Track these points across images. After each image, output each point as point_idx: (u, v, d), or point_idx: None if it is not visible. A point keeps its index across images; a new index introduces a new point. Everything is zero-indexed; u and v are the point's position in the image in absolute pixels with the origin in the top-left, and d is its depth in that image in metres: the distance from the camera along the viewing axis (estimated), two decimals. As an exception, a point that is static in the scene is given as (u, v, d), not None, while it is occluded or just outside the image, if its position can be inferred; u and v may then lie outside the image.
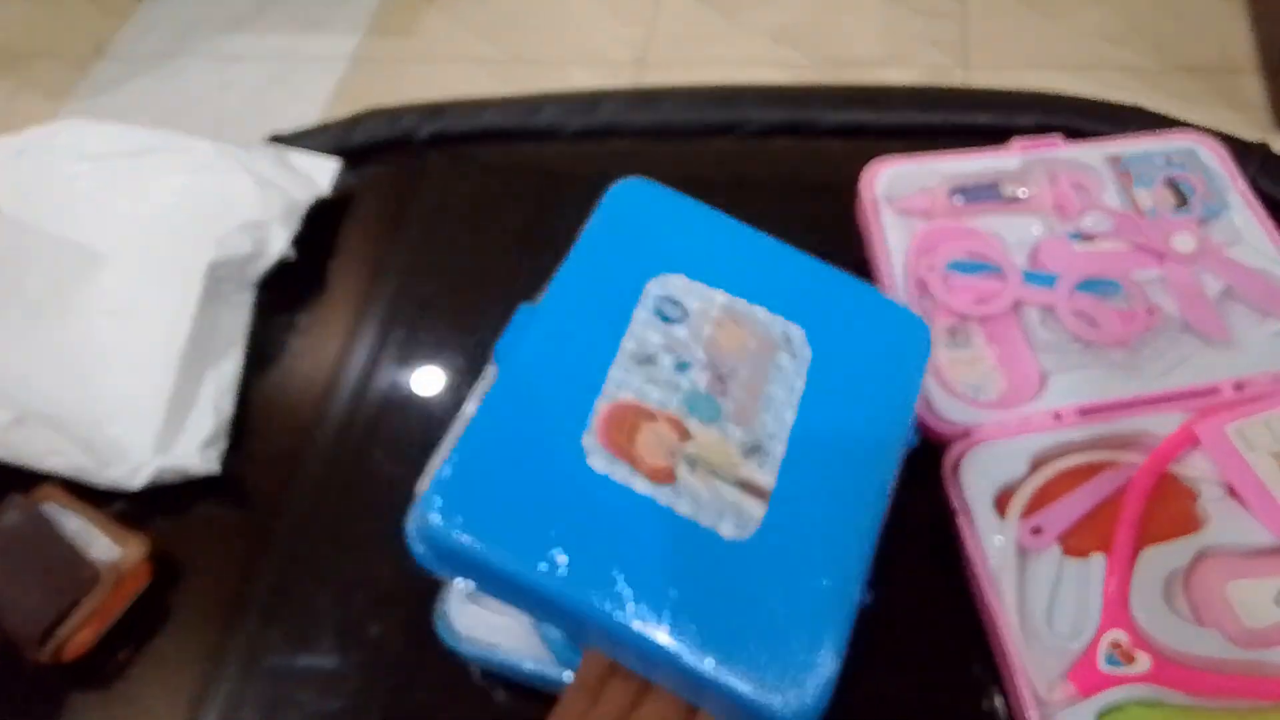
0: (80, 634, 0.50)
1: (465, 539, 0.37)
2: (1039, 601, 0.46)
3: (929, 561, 0.50)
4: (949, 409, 0.52)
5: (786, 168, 0.68)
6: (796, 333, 0.45)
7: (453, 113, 0.75)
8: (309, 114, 0.79)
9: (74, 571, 0.51)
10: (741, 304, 0.45)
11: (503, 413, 0.40)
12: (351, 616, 0.52)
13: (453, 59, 1.65)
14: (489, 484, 0.39)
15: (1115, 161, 0.61)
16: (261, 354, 0.63)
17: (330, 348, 0.64)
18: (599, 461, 0.39)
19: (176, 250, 0.61)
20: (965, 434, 0.51)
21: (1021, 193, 0.60)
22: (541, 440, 0.40)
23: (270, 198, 0.64)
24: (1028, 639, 0.45)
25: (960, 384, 0.55)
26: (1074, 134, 0.64)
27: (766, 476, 0.40)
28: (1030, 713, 0.43)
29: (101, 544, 0.53)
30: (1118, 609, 0.45)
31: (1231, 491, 0.48)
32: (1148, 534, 0.47)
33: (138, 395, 0.57)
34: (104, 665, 0.52)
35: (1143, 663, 0.44)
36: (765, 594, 0.38)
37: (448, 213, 0.71)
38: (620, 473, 0.39)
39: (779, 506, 0.40)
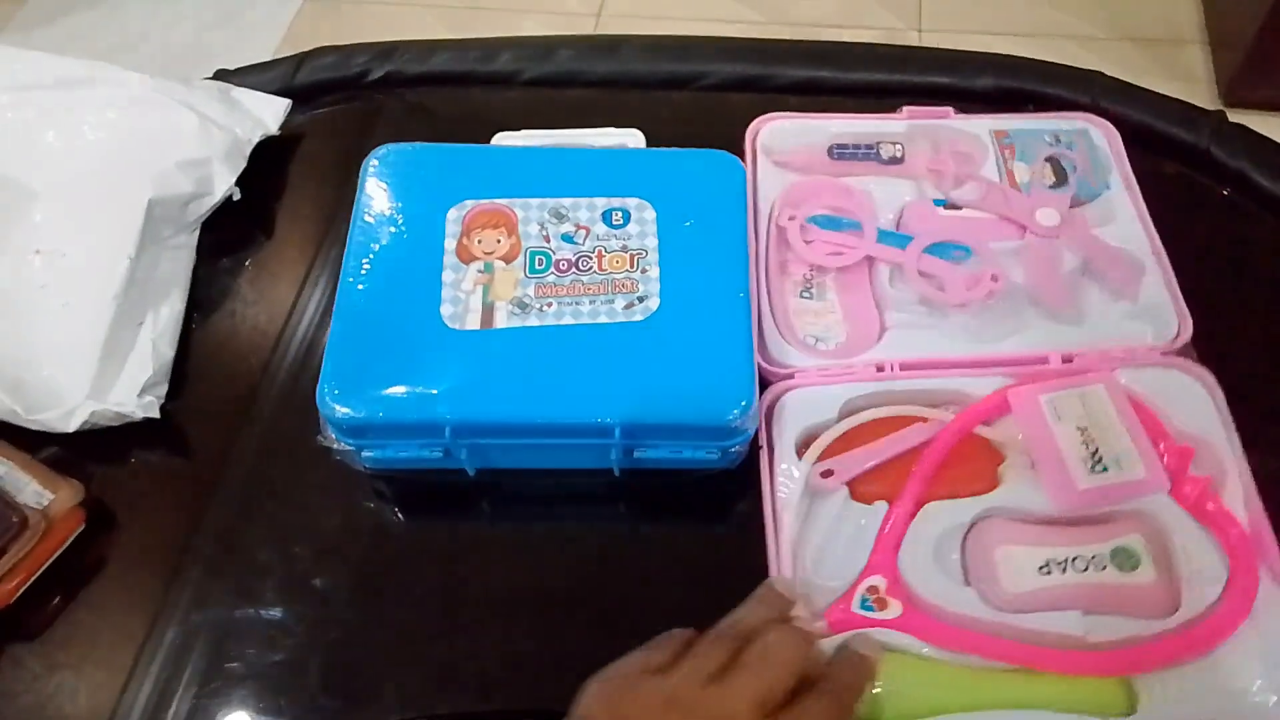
0: (7, 582, 0.48)
1: (362, 413, 0.47)
2: (814, 540, 0.47)
3: (751, 497, 0.51)
4: (780, 352, 0.53)
5: (744, 120, 0.64)
6: (633, 203, 0.55)
7: (405, 54, 0.75)
8: (258, 54, 0.79)
9: (0, 517, 0.49)
10: (567, 201, 0.54)
11: (359, 304, 0.51)
12: (296, 568, 0.51)
13: (407, 2, 1.64)
14: (363, 363, 0.49)
15: (1001, 135, 0.60)
16: (206, 298, 0.62)
17: (278, 292, 0.63)
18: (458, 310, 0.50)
19: (112, 187, 0.60)
20: (790, 376, 0.52)
21: (899, 153, 0.60)
22: (400, 318, 0.50)
23: (213, 135, 0.63)
24: (797, 575, 0.46)
25: (803, 332, 0.56)
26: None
27: (651, 285, 0.52)
28: (784, 643, 0.44)
29: (30, 490, 0.51)
30: (884, 556, 0.46)
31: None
32: (940, 489, 0.48)
33: (72, 337, 0.55)
34: (35, 616, 0.50)
35: (894, 609, 0.44)
36: (676, 351, 0.49)
37: None
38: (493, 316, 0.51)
39: (669, 296, 0.51)
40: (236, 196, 0.64)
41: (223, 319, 0.62)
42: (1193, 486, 0.46)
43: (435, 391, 0.48)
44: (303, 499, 0.54)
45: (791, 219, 0.57)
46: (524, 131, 0.64)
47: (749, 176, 0.60)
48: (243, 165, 0.64)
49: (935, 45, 1.22)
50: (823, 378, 0.52)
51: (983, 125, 0.61)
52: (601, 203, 0.55)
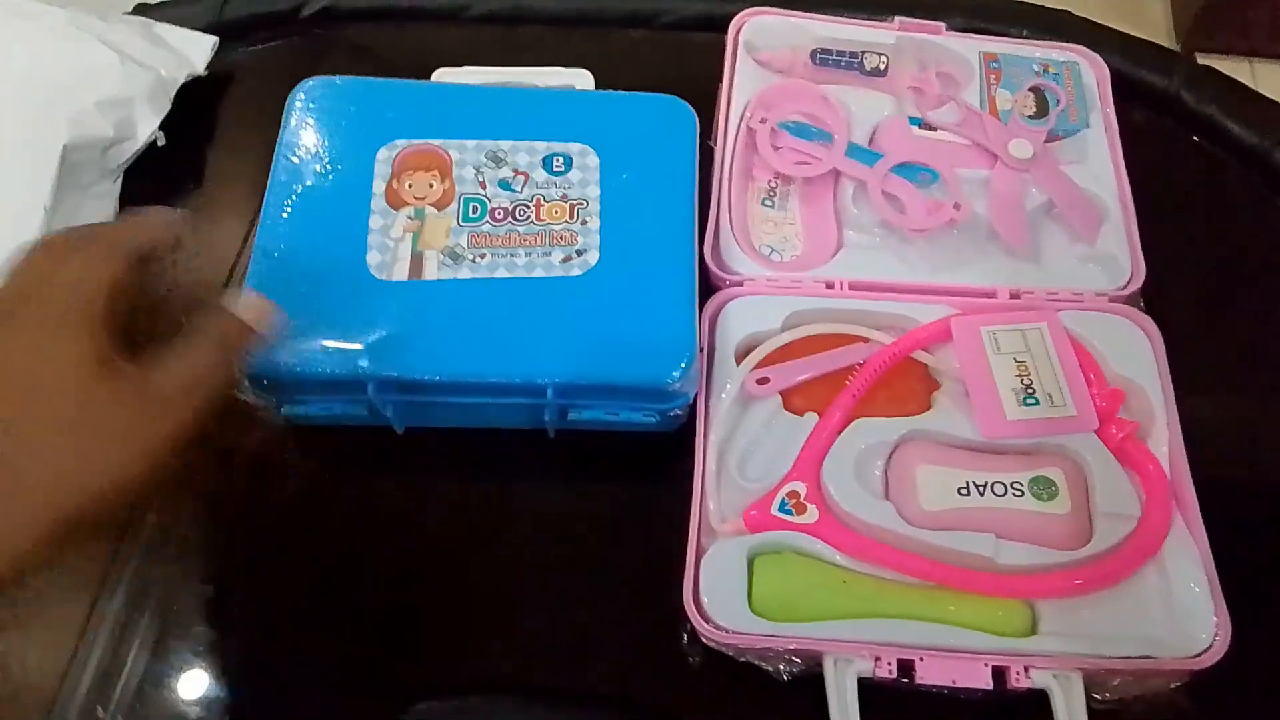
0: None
1: (279, 366, 0.44)
2: (742, 444, 0.47)
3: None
4: (732, 259, 0.52)
5: (705, 63, 0.61)
6: (576, 148, 0.51)
7: None
8: None
9: None
10: (505, 145, 0.51)
11: (278, 250, 0.47)
12: (240, 550, 0.49)
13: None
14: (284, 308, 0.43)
15: (990, 58, 0.59)
16: None
17: (207, 244, 0.58)
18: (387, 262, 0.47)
19: (23, 130, 0.55)
20: (739, 284, 0.52)
21: (882, 65, 0.58)
22: (322, 265, 0.47)
23: (134, 74, 0.58)
24: (721, 475, 0.46)
25: (760, 241, 0.55)
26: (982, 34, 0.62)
27: (591, 238, 0.49)
28: (699, 537, 0.45)
29: None
30: (808, 464, 0.46)
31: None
32: (872, 408, 0.48)
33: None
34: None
35: (811, 515, 0.45)
36: (614, 308, 0.47)
37: None
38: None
39: (609, 250, 0.48)
40: (162, 142, 0.59)
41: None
42: (1120, 428, 0.46)
43: (359, 345, 0.45)
44: (248, 472, 0.48)
45: (763, 122, 0.56)
46: (465, 69, 0.58)
47: (728, 72, 0.58)
48: (167, 107, 0.59)
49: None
50: (770, 288, 0.51)
51: (972, 46, 0.59)
52: (542, 147, 0.51)
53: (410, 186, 0.49)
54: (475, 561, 0.48)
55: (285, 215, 0.48)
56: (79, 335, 0.32)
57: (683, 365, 0.45)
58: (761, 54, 0.59)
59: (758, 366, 0.49)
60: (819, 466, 0.46)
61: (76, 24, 0.60)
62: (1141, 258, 0.52)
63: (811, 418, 0.47)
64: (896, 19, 0.60)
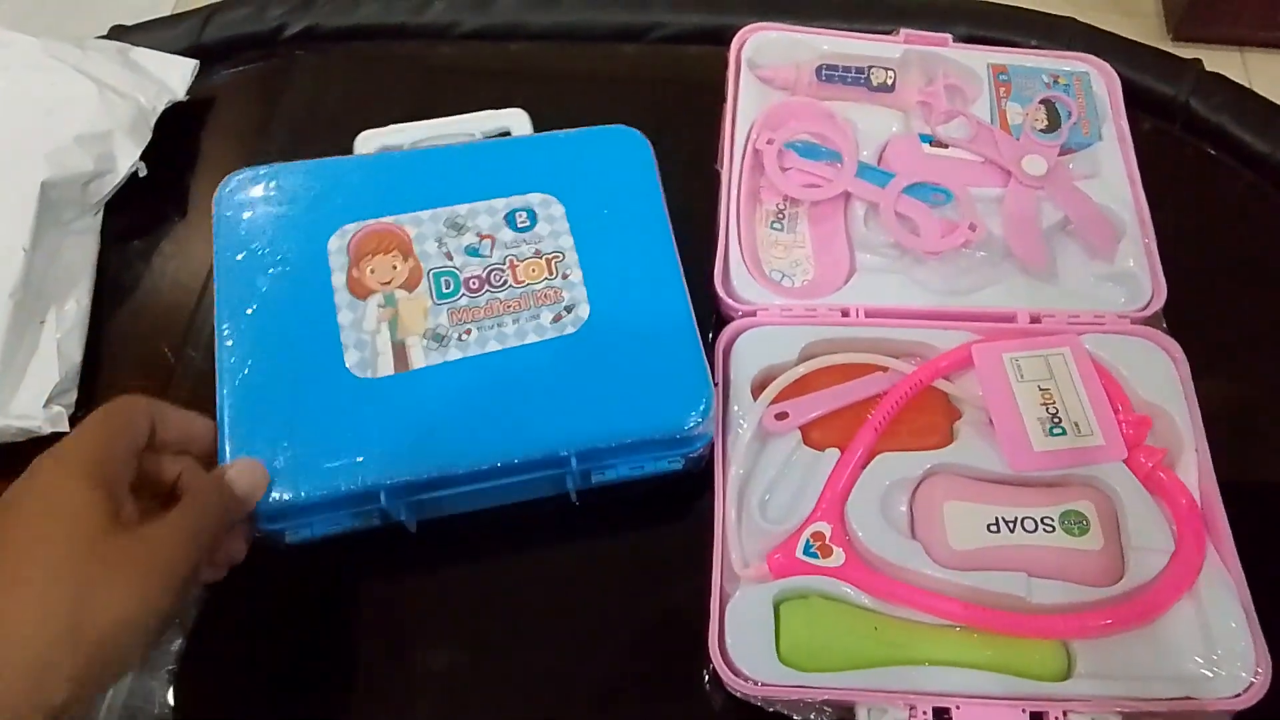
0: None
1: (278, 497, 0.41)
2: (763, 483, 0.46)
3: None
4: (744, 288, 0.50)
5: (701, 76, 0.60)
6: (536, 199, 0.49)
7: (326, 5, 0.66)
8: (158, 7, 0.67)
9: None
10: (462, 209, 0.48)
11: (245, 371, 0.44)
12: (223, 641, 0.46)
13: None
14: (268, 439, 0.42)
15: (999, 70, 0.57)
16: (113, 288, 0.55)
17: (192, 278, 0.56)
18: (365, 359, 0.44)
19: (0, 169, 0.53)
20: (752, 314, 0.50)
21: (890, 80, 0.57)
22: (298, 379, 0.44)
23: (114, 104, 0.56)
24: (742, 516, 0.45)
25: (770, 267, 0.53)
26: (996, 45, 0.60)
27: (576, 290, 0.46)
28: (723, 583, 0.43)
29: None
30: (832, 503, 0.44)
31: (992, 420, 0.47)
32: (894, 441, 0.46)
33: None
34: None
35: (837, 558, 0.43)
36: (618, 360, 0.45)
37: (319, 120, 0.63)
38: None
39: (598, 299, 0.46)
40: (143, 172, 0.57)
41: (135, 312, 0.55)
42: (1148, 456, 0.45)
43: (361, 457, 0.42)
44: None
45: (769, 143, 0.54)
46: (389, 128, 0.55)
47: (731, 90, 0.56)
48: (148, 137, 0.57)
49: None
50: (785, 318, 0.50)
51: (980, 58, 0.57)
52: (502, 204, 0.48)
53: (373, 272, 0.46)
54: (499, 631, 0.46)
55: (243, 331, 0.44)
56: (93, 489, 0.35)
57: (701, 406, 0.44)
58: (764, 71, 0.57)
59: (775, 400, 0.47)
60: (843, 506, 0.45)
61: (51, 53, 0.57)
62: (1162, 276, 0.51)
63: (833, 453, 0.46)
64: (902, 31, 0.58)
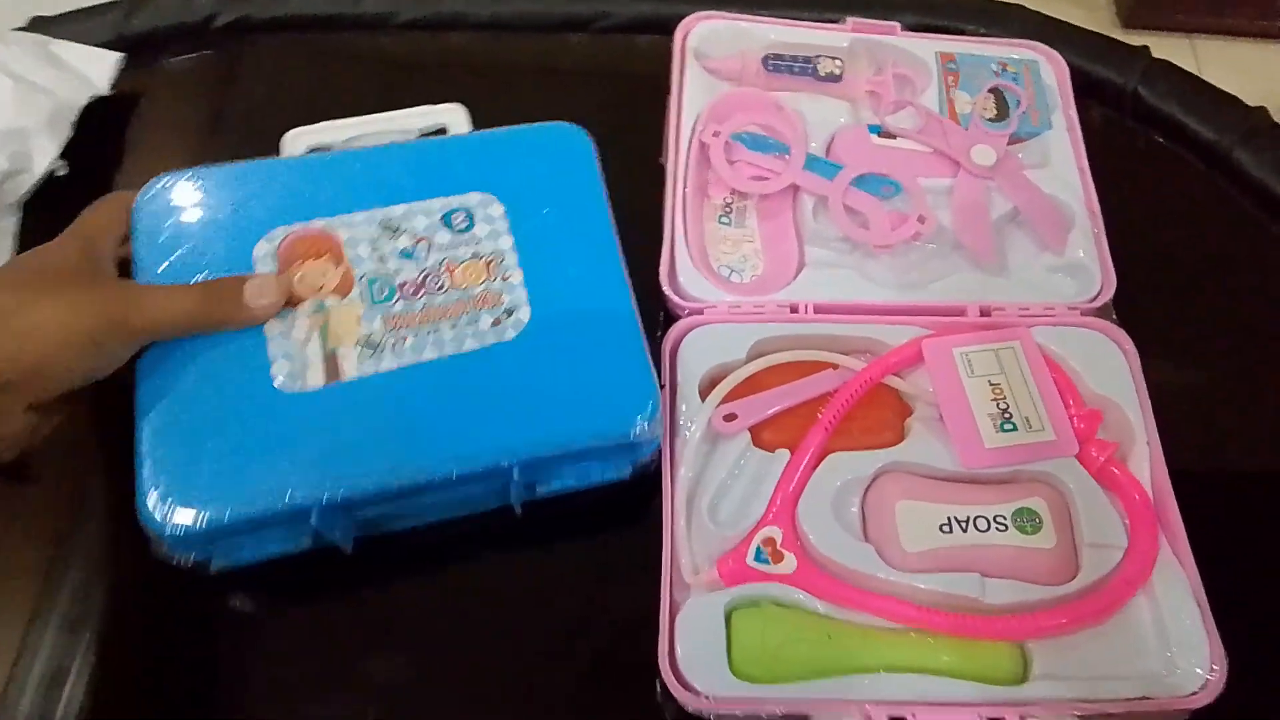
0: None
1: (202, 520, 0.38)
2: (712, 487, 0.44)
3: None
4: (691, 284, 0.49)
5: (648, 68, 0.57)
6: (475, 199, 0.46)
7: None
8: None
9: None
10: (396, 210, 0.46)
11: (166, 385, 0.41)
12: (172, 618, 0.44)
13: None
14: (190, 457, 0.40)
15: (948, 59, 0.56)
16: None
17: None
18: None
19: None
20: (699, 312, 0.49)
21: (837, 70, 0.55)
22: (223, 393, 0.41)
23: (31, 100, 0.53)
24: (692, 522, 0.44)
25: (718, 262, 0.52)
26: (941, 33, 0.59)
27: (517, 293, 0.44)
28: (672, 592, 0.42)
29: None
30: (783, 507, 0.43)
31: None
32: (845, 440, 0.45)
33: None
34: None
35: (789, 564, 0.42)
36: (561, 366, 0.43)
37: (251, 115, 0.60)
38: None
39: (540, 302, 0.44)
40: (63, 171, 0.54)
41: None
42: (1100, 450, 0.44)
43: (289, 475, 0.39)
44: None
45: (716, 135, 0.53)
46: (318, 126, 0.52)
47: (676, 81, 0.55)
48: (68, 134, 0.54)
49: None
50: (733, 315, 0.48)
51: (929, 47, 0.56)
52: (438, 205, 0.46)
53: (302, 278, 0.43)
54: (443, 650, 0.44)
55: (164, 345, 0.41)
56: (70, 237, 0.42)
57: (648, 409, 0.42)
58: (710, 61, 0.56)
59: (724, 401, 0.46)
60: (794, 509, 0.43)
61: None
62: (1112, 267, 0.50)
63: (783, 455, 0.45)
64: (849, 20, 0.57)
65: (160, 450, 0.39)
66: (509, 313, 0.44)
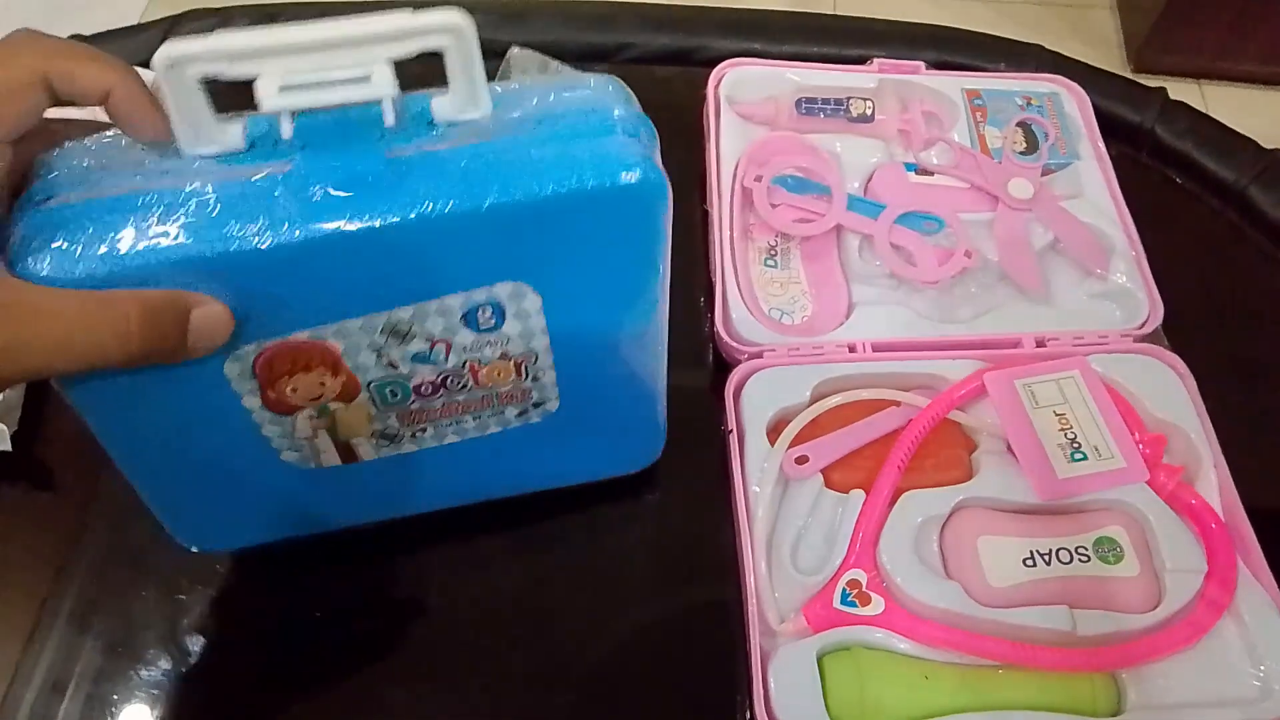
0: None
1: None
2: (790, 532, 0.44)
3: (709, 482, 0.47)
4: (747, 329, 0.49)
5: (671, 98, 0.58)
6: (505, 290, 0.34)
7: (290, 17, 0.62)
8: (122, 17, 0.65)
9: None
10: (404, 313, 0.34)
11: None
12: (179, 621, 0.44)
13: (294, -47, 1.49)
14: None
15: (973, 95, 0.57)
16: None
17: None
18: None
19: None
20: (758, 355, 0.49)
21: (869, 110, 0.56)
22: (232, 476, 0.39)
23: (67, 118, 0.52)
24: (773, 568, 0.43)
25: (768, 305, 0.52)
26: (957, 69, 0.60)
27: (548, 390, 0.40)
28: (759, 640, 0.41)
29: None
30: (864, 549, 0.43)
31: (1010, 448, 0.47)
32: (916, 478, 0.45)
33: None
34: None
35: (876, 605, 0.42)
36: (582, 435, 0.43)
37: None
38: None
39: (569, 391, 0.40)
40: None
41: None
42: (1168, 475, 0.45)
43: (307, 515, 0.42)
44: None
45: (758, 179, 0.53)
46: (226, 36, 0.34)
47: (712, 128, 0.55)
48: None
49: (851, 14, 1.19)
50: (793, 358, 0.48)
51: (954, 84, 0.58)
52: (457, 302, 0.34)
53: (295, 391, 0.35)
54: (495, 690, 0.43)
55: (156, 485, 0.39)
56: None
57: (652, 453, 0.47)
58: (743, 106, 0.56)
59: (793, 444, 0.46)
60: (874, 550, 0.43)
61: None
62: (1157, 293, 0.51)
63: (857, 495, 0.45)
64: (875, 60, 0.58)
65: (167, 501, 0.40)
66: (537, 405, 0.41)
